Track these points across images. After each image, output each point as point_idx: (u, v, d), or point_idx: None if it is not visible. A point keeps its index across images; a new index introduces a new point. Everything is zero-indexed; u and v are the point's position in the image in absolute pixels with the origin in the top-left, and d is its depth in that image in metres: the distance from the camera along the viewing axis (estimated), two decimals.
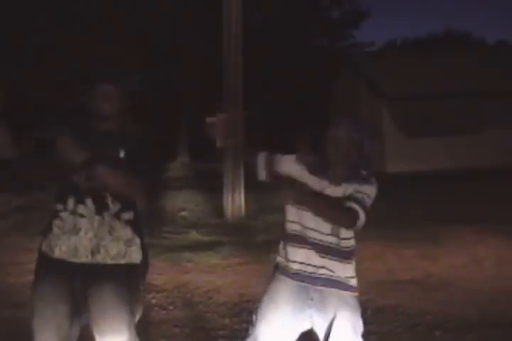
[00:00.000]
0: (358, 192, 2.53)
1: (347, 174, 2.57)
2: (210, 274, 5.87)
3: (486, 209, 9.35)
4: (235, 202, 9.46)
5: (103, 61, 14.90)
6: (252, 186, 9.03)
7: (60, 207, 2.55)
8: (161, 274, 5.82)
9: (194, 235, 8.09)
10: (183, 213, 9.70)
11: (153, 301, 4.87)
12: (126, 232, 2.56)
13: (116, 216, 2.54)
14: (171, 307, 4.75)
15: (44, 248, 2.58)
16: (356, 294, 2.64)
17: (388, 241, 7.27)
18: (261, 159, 2.74)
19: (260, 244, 7.19)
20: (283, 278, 2.63)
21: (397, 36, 56.61)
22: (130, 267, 2.58)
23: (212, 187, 10.65)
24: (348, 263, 2.63)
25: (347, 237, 2.62)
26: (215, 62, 11.45)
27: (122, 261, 2.56)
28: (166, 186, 12.14)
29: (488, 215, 8.78)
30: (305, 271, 2.59)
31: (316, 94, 24.04)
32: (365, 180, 2.57)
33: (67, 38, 15.84)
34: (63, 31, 15.87)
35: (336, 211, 2.50)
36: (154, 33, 17.68)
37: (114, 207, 2.54)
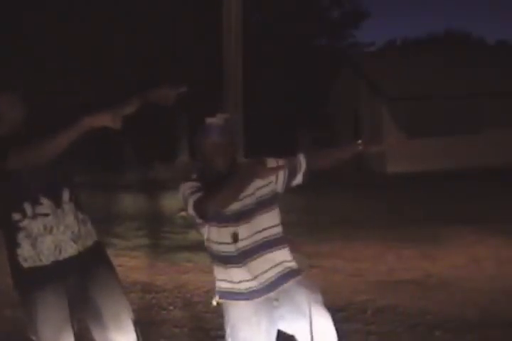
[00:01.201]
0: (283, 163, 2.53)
1: (230, 170, 2.47)
2: (210, 274, 5.81)
3: (486, 209, 9.35)
4: None
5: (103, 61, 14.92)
6: None
7: (17, 216, 2.47)
8: (161, 274, 5.82)
9: (194, 235, 8.07)
10: (182, 213, 9.68)
11: (153, 301, 4.88)
12: (79, 213, 2.60)
13: (70, 201, 2.57)
14: (171, 307, 4.75)
15: (25, 264, 2.50)
16: (303, 274, 2.58)
17: (388, 241, 7.27)
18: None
19: None
20: (240, 303, 2.50)
21: (397, 36, 56.64)
22: (99, 242, 2.71)
23: None
24: (284, 248, 2.53)
25: (276, 224, 2.54)
26: (215, 62, 11.45)
27: (95, 238, 2.66)
28: (165, 186, 12.13)
29: (488, 215, 8.78)
30: (257, 286, 2.47)
31: (316, 94, 24.04)
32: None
33: (67, 38, 15.84)
34: (63, 31, 15.87)
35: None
36: (154, 33, 17.67)
37: (65, 194, 2.54)
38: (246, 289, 2.48)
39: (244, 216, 2.46)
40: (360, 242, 7.32)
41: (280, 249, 2.52)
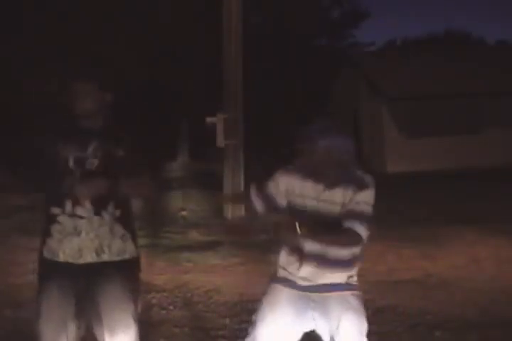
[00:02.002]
0: (357, 203, 2.46)
1: (341, 176, 2.50)
2: (210, 274, 5.87)
3: (486, 209, 9.34)
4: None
5: (103, 61, 14.92)
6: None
7: (56, 210, 2.54)
8: (161, 274, 5.82)
9: (194, 235, 8.09)
10: (183, 213, 9.69)
11: (153, 301, 4.87)
12: (119, 228, 2.59)
13: (113, 214, 2.57)
14: (171, 307, 4.75)
15: (46, 254, 2.58)
16: (358, 292, 2.61)
17: (388, 241, 7.26)
18: (252, 193, 2.71)
19: (260, 244, 7.18)
20: (283, 288, 2.59)
21: (397, 36, 56.52)
22: (132, 261, 2.64)
23: (212, 187, 10.64)
24: (349, 269, 2.58)
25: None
26: (215, 63, 11.45)
27: (126, 256, 2.61)
28: (166, 186, 12.13)
29: (488, 215, 8.77)
30: (308, 284, 2.56)
31: (316, 94, 24.04)
32: (361, 184, 2.49)
33: (67, 37, 15.84)
34: (63, 30, 15.87)
35: (339, 240, 2.47)
36: (154, 33, 17.68)
37: (110, 206, 2.56)
38: (299, 283, 2.56)
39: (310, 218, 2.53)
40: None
41: (355, 266, 2.60)
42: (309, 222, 2.42)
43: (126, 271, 2.62)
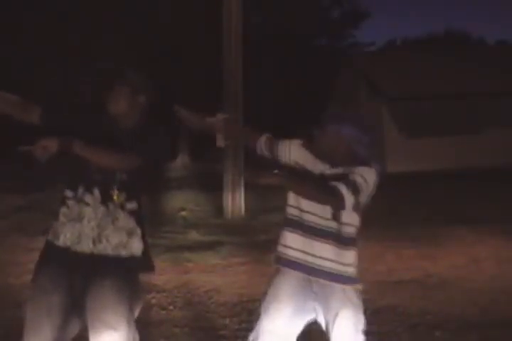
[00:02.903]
0: (352, 173, 2.51)
1: (348, 160, 2.57)
2: (210, 274, 5.88)
3: (486, 209, 9.34)
4: (235, 202, 9.46)
5: (103, 60, 14.91)
6: (252, 186, 9.04)
7: (69, 193, 2.57)
8: (161, 274, 5.81)
9: (194, 235, 8.09)
10: (183, 213, 9.70)
11: (153, 301, 4.87)
12: (129, 222, 2.58)
13: (121, 206, 2.56)
14: (171, 307, 4.75)
15: (50, 236, 2.60)
16: (359, 287, 2.61)
17: (388, 241, 7.27)
18: (263, 139, 2.80)
19: (260, 244, 7.18)
20: (285, 270, 2.62)
21: (397, 36, 56.60)
22: (131, 259, 2.58)
23: (212, 187, 10.65)
24: (348, 249, 2.59)
25: (348, 223, 2.58)
26: (215, 63, 11.45)
27: (123, 252, 2.56)
28: (166, 186, 12.14)
29: (488, 215, 8.77)
30: (305, 261, 2.57)
31: (316, 94, 24.04)
32: (364, 163, 2.57)
33: (67, 37, 15.85)
34: (63, 30, 15.87)
35: (318, 191, 2.47)
36: (154, 33, 17.68)
37: (119, 197, 2.55)
38: (292, 257, 2.59)
39: None
40: (360, 242, 7.31)
41: (347, 249, 2.59)
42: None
43: (122, 272, 2.54)
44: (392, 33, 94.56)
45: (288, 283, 2.60)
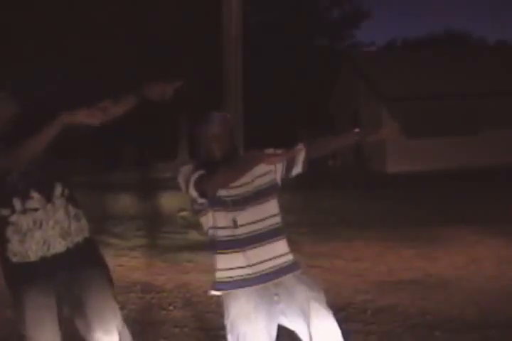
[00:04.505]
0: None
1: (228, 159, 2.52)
2: (210, 274, 5.85)
3: (486, 209, 9.35)
4: None
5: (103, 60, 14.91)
6: None
7: (5, 212, 2.48)
8: (161, 274, 5.82)
9: (194, 235, 8.08)
10: (182, 213, 9.69)
11: (153, 301, 4.88)
12: (71, 208, 2.58)
13: (62, 196, 2.55)
14: (171, 307, 4.75)
15: (15, 259, 2.50)
16: (302, 270, 2.60)
17: (388, 241, 7.27)
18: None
19: None
20: (239, 291, 2.52)
21: (397, 36, 56.57)
22: (92, 238, 2.68)
23: None
24: (282, 239, 2.57)
25: (275, 214, 2.57)
26: (215, 63, 11.45)
27: (86, 235, 2.62)
28: (165, 186, 12.13)
29: (488, 215, 8.78)
30: (255, 272, 2.50)
31: (316, 94, 24.05)
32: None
33: (67, 37, 15.84)
34: (63, 30, 15.86)
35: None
36: (154, 33, 17.67)
37: (57, 189, 2.54)
38: (240, 276, 2.51)
39: (243, 203, 2.50)
40: (360, 242, 7.32)
41: (279, 240, 2.56)
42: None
43: (94, 252, 2.67)
44: (392, 33, 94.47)
45: (247, 300, 2.50)
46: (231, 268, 2.54)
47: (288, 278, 2.53)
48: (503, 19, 76.74)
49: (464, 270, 5.93)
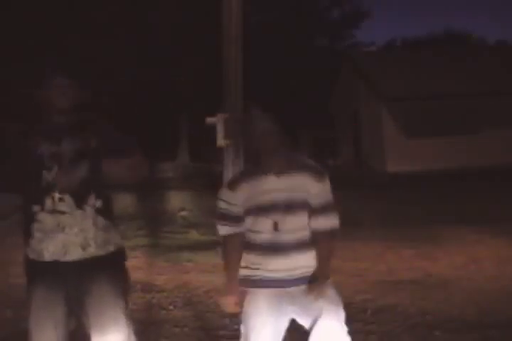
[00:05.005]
0: (320, 195, 2.55)
1: (285, 163, 2.56)
2: (210, 274, 5.87)
3: (486, 209, 9.35)
4: None
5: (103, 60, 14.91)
6: None
7: (36, 208, 2.49)
8: (161, 274, 5.82)
9: (194, 235, 8.09)
10: (183, 213, 9.70)
11: (153, 301, 4.88)
12: (102, 219, 2.55)
13: (93, 206, 2.53)
14: (171, 307, 4.75)
15: (31, 255, 2.52)
16: (330, 281, 2.62)
17: (388, 241, 7.27)
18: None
19: None
20: (258, 290, 2.58)
21: (397, 36, 56.55)
22: (118, 251, 2.63)
23: (212, 187, 10.64)
24: (310, 250, 2.59)
25: (298, 228, 2.59)
26: (215, 62, 11.45)
27: (111, 248, 2.58)
28: (166, 186, 12.14)
29: (488, 215, 8.78)
30: (281, 278, 2.55)
31: (316, 94, 24.05)
32: (316, 173, 2.56)
33: (68, 37, 15.83)
34: (63, 30, 15.86)
35: (330, 244, 2.57)
36: (154, 33, 17.68)
37: (91, 197, 2.52)
38: (259, 276, 2.57)
39: (282, 210, 2.54)
40: (360, 242, 7.32)
41: (306, 252, 2.58)
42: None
43: (114, 266, 2.59)
44: (392, 33, 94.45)
45: (262, 297, 2.57)
46: (254, 268, 2.59)
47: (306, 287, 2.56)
48: (503, 19, 76.74)
49: (464, 270, 5.94)
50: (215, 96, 10.92)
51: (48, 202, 2.47)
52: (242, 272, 2.63)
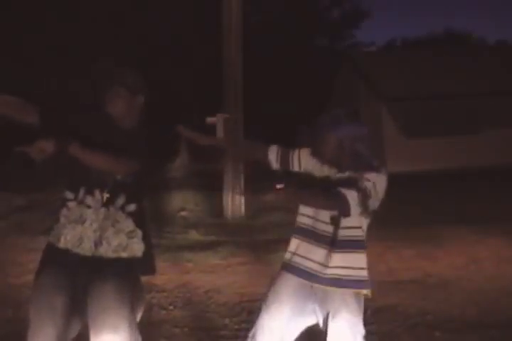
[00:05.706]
0: (363, 178, 2.48)
1: (355, 164, 2.55)
2: (210, 274, 5.87)
3: (486, 209, 9.34)
4: (235, 202, 9.45)
5: (101, 60, 14.92)
6: (252, 186, 9.04)
7: (70, 195, 2.57)
8: (161, 274, 5.81)
9: (194, 235, 8.08)
10: (183, 213, 9.69)
11: (153, 301, 4.87)
12: (128, 224, 2.58)
13: (121, 208, 2.57)
14: (171, 307, 4.75)
15: (51, 238, 2.60)
16: (362, 291, 2.56)
17: (388, 241, 7.26)
18: (273, 151, 2.76)
19: (260, 244, 7.19)
20: (288, 276, 2.62)
21: (397, 36, 56.61)
22: (132, 260, 2.59)
23: (212, 187, 10.64)
24: (348, 252, 2.54)
25: (352, 226, 2.55)
26: (215, 62, 11.45)
27: (124, 254, 2.57)
28: (166, 186, 12.13)
29: (488, 215, 8.77)
30: (310, 269, 2.55)
31: (316, 94, 24.04)
32: (372, 168, 2.52)
33: (68, 37, 15.85)
34: (63, 30, 15.87)
35: (324, 200, 2.47)
36: (154, 33, 17.69)
37: (120, 199, 2.56)
38: (288, 260, 2.63)
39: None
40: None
41: (350, 253, 2.56)
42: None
43: (123, 273, 2.53)
44: (392, 33, 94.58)
45: (289, 284, 2.60)
46: (293, 252, 2.65)
47: (334, 294, 2.53)
48: (503, 19, 76.72)
49: (464, 270, 5.93)
50: (215, 96, 10.94)
51: (81, 193, 2.55)
52: (286, 255, 2.69)
